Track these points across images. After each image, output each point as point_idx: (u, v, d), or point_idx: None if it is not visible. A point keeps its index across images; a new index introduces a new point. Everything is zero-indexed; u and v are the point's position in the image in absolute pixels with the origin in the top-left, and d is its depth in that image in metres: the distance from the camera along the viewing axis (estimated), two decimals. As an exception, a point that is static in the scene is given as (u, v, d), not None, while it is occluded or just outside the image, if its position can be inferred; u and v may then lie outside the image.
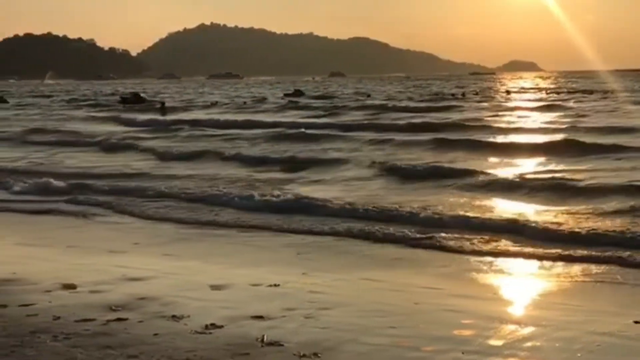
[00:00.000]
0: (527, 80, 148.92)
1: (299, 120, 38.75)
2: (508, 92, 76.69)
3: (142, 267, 9.66)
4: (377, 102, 58.22)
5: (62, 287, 8.49)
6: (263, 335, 6.57)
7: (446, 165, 19.74)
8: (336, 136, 29.48)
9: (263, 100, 69.02)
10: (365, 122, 37.59)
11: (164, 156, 24.65)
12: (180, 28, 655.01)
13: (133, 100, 66.75)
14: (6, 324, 7.00)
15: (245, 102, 64.34)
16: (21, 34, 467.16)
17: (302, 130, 30.68)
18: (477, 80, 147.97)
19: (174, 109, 55.61)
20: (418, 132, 29.65)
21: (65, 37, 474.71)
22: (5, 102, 73.98)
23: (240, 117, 42.62)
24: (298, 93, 77.32)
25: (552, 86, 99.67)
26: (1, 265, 9.77)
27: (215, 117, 43.65)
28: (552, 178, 16.75)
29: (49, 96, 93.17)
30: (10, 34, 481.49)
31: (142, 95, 73.21)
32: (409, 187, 16.95)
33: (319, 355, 6.13)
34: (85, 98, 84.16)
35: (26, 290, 8.35)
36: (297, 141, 27.89)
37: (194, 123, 38.51)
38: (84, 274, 9.25)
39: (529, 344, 6.53)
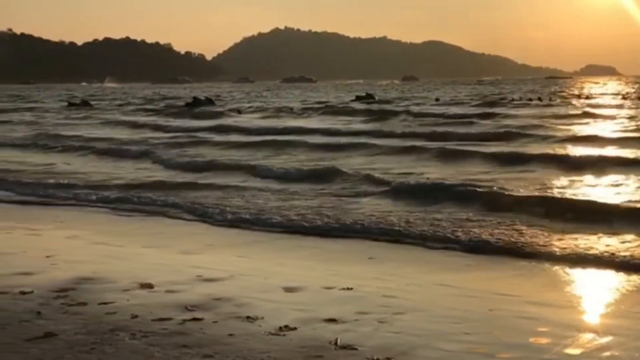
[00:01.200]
0: (607, 84, 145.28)
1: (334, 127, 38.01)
2: (586, 97, 75.01)
3: (216, 268, 9.77)
4: (445, 108, 56.61)
5: (140, 287, 8.66)
6: (336, 339, 6.59)
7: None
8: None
9: (326, 103, 68.24)
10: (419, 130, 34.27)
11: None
12: (255, 32, 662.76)
13: (202, 104, 67.47)
14: (86, 321, 7.18)
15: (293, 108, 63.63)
16: (100, 38, 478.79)
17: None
18: (552, 85, 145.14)
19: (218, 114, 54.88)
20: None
21: (142, 42, 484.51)
22: (90, 105, 75.39)
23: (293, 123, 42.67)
24: (369, 97, 77.19)
25: (632, 90, 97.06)
26: (82, 264, 10.02)
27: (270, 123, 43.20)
28: None
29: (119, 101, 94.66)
30: (90, 39, 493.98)
31: (206, 98, 74.01)
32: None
33: (393, 359, 6.11)
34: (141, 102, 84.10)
35: (105, 289, 8.55)
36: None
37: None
38: (160, 273, 9.42)
39: (607, 353, 6.39)
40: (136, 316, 7.34)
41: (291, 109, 59.96)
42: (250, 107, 65.32)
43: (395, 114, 47.12)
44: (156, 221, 13.99)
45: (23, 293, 8.27)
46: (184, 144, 30.36)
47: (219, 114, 53.06)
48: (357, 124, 40.82)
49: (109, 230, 13.06)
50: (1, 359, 6.04)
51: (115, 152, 27.60)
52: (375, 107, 57.51)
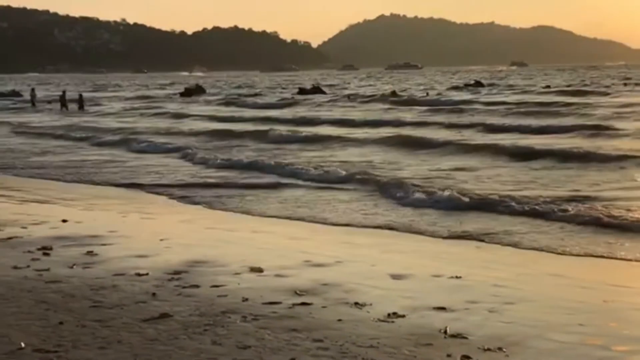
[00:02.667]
0: None
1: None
2: None
3: (323, 254, 9.84)
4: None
5: (250, 270, 8.81)
6: (446, 327, 6.53)
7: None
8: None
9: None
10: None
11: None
12: (361, 19, 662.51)
13: (311, 92, 67.85)
14: (199, 303, 7.35)
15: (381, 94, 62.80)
16: (210, 27, 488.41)
17: None
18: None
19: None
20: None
21: (250, 30, 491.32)
22: (204, 91, 77.22)
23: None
24: (478, 84, 75.92)
25: None
26: (194, 247, 10.27)
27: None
28: None
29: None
30: (200, 27, 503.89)
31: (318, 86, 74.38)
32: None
33: (504, 349, 6.02)
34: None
35: (216, 272, 8.73)
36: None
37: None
38: (269, 258, 9.55)
39: None
40: (247, 299, 7.47)
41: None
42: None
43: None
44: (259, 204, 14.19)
45: (139, 275, 8.54)
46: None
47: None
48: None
49: (214, 215, 13.31)
50: (119, 338, 6.25)
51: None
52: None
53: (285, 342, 6.16)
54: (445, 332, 6.43)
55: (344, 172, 17.76)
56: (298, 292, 7.77)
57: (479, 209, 12.98)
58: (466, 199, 13.55)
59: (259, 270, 8.82)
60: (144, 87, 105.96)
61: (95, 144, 28.76)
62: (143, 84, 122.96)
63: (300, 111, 46.30)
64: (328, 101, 55.36)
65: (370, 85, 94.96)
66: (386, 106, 48.23)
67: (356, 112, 43.50)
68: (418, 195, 14.27)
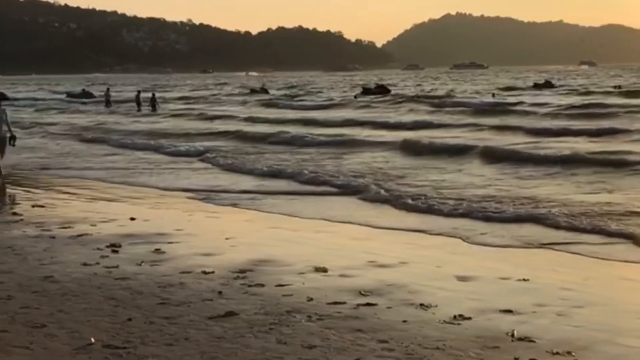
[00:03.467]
0: None
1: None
2: None
3: (388, 255, 9.81)
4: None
5: (314, 270, 8.83)
6: (513, 330, 6.44)
7: None
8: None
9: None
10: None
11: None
12: (426, 19, 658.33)
13: (375, 92, 67.52)
14: (264, 302, 7.40)
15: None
16: (274, 27, 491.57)
17: None
18: None
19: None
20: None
21: (314, 30, 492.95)
22: (267, 92, 77.06)
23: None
24: (547, 84, 74.38)
25: None
26: (259, 246, 10.35)
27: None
28: None
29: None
30: (264, 28, 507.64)
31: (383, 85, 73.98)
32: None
33: (573, 354, 5.91)
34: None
35: (281, 271, 8.78)
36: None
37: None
38: (333, 258, 9.57)
39: None
40: (311, 299, 7.49)
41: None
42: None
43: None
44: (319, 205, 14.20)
45: (205, 273, 8.64)
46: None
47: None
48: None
49: (280, 216, 13.35)
50: (186, 335, 6.33)
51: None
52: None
53: (350, 342, 6.16)
54: (513, 335, 6.34)
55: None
56: (362, 292, 7.76)
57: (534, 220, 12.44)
58: (526, 209, 13.03)
59: (324, 270, 8.83)
60: (202, 87, 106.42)
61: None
62: (201, 84, 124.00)
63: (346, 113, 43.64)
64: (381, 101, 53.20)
65: (432, 84, 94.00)
66: (431, 108, 45.50)
67: (391, 113, 42.25)
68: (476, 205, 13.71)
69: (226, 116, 44.19)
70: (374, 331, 6.44)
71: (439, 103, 47.80)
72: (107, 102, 60.07)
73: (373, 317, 6.90)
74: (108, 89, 65.00)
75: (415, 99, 53.62)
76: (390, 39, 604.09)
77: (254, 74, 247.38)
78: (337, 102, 55.80)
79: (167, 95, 73.52)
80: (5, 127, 17.11)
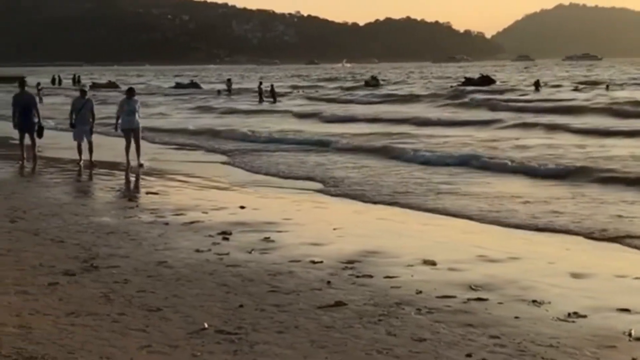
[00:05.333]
0: None
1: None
2: None
3: (498, 249, 9.63)
4: None
5: (423, 263, 8.76)
6: (630, 330, 6.22)
7: None
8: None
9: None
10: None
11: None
12: (537, 9, 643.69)
13: (478, 83, 66.39)
14: (373, 293, 7.39)
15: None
16: (382, 18, 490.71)
17: None
18: None
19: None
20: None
21: (422, 21, 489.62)
22: (378, 83, 76.70)
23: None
24: None
25: None
26: (366, 237, 10.34)
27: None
28: None
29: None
30: (372, 19, 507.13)
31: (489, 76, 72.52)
32: None
33: (696, 357, 5.66)
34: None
35: (389, 263, 8.74)
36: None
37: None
38: (442, 251, 9.47)
39: None
40: (420, 292, 7.43)
41: None
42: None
43: None
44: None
45: (314, 262, 8.69)
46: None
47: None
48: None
49: (389, 208, 13.28)
50: (296, 324, 6.39)
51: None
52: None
53: (460, 336, 6.08)
54: (630, 334, 6.13)
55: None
56: (473, 287, 7.64)
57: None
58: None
59: (432, 263, 8.75)
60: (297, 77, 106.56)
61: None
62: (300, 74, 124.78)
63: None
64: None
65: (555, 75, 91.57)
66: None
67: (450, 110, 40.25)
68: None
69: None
70: (485, 326, 6.34)
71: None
72: (229, 92, 62.03)
73: (484, 312, 6.79)
74: (229, 80, 67.71)
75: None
76: (500, 29, 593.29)
77: (348, 65, 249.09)
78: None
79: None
80: (137, 118, 18.23)
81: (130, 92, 19.04)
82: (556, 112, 35.12)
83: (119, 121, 18.54)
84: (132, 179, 16.79)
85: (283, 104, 49.33)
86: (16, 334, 6.02)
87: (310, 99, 55.13)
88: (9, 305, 6.84)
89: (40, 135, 18.95)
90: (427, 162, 18.79)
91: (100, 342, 5.89)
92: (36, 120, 18.89)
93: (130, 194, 14.10)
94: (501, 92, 54.57)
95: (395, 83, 78.97)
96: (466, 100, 45.12)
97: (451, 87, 62.72)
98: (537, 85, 58.23)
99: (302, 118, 36.69)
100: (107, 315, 6.58)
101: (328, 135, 25.51)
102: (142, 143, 19.01)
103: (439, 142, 23.25)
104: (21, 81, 21.37)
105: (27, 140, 18.80)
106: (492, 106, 39.54)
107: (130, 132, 18.39)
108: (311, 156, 20.54)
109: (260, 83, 57.49)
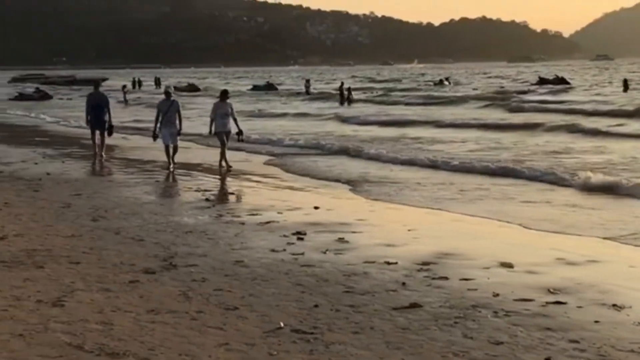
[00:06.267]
0: None
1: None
2: None
3: (576, 252, 9.46)
4: None
5: (500, 265, 8.66)
6: None
7: None
8: None
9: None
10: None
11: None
12: (617, 7, 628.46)
13: (553, 83, 65.32)
14: (449, 295, 7.34)
15: None
16: (457, 18, 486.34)
17: None
18: None
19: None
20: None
21: (498, 20, 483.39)
22: (444, 83, 76.59)
23: None
24: None
25: None
26: (441, 239, 10.29)
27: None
28: None
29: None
30: (447, 19, 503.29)
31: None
32: None
33: None
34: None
35: (465, 265, 8.67)
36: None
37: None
38: (519, 253, 9.35)
39: None
40: (497, 294, 7.35)
41: None
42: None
43: None
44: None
45: (388, 263, 8.68)
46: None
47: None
48: None
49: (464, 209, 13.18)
50: (371, 325, 6.40)
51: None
52: None
53: (539, 340, 6.00)
54: None
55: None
56: (551, 290, 7.52)
57: None
58: None
59: (509, 265, 8.64)
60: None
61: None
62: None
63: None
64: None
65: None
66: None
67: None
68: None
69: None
70: (564, 330, 6.24)
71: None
72: (307, 92, 63.78)
73: (563, 315, 6.68)
74: (308, 80, 70.48)
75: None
76: (578, 28, 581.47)
77: (420, 65, 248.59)
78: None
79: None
80: (231, 121, 18.38)
81: (224, 95, 18.86)
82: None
83: (213, 125, 18.34)
84: (216, 180, 16.91)
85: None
86: (99, 330, 6.18)
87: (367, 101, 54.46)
88: (92, 302, 7.03)
89: (110, 133, 19.92)
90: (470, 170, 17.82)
91: (179, 339, 6.01)
92: (107, 118, 19.90)
93: (207, 194, 14.26)
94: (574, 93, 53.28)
95: (457, 84, 77.62)
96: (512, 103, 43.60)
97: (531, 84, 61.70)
98: (625, 85, 55.63)
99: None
100: (186, 313, 6.71)
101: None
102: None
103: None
104: (95, 82, 23.15)
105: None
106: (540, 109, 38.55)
107: (224, 135, 18.25)
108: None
109: (342, 84, 57.49)
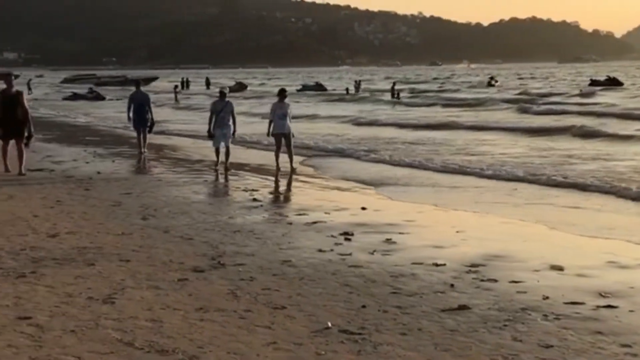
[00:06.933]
0: None
1: None
2: None
3: (629, 256, 9.31)
4: None
5: (550, 268, 8.55)
6: None
7: None
8: None
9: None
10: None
11: None
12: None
13: (605, 84, 64.29)
14: (498, 298, 7.28)
15: None
16: (507, 18, 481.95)
17: None
18: None
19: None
20: None
21: (549, 20, 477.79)
22: (492, 84, 75.55)
23: None
24: None
25: None
26: (490, 241, 10.19)
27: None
28: None
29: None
30: (496, 19, 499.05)
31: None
32: None
33: None
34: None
35: (514, 267, 8.58)
36: None
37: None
38: (569, 256, 9.23)
39: None
40: (547, 297, 7.26)
41: None
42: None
43: None
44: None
45: (436, 265, 8.63)
46: None
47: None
48: None
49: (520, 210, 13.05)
50: (419, 326, 6.36)
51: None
52: None
53: (589, 344, 5.92)
54: None
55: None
56: (602, 293, 7.41)
57: None
58: None
59: (560, 268, 8.53)
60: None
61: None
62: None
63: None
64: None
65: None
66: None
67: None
68: None
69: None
70: (615, 334, 6.14)
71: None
72: (357, 90, 66.25)
73: (614, 319, 6.58)
74: (357, 81, 72.65)
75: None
76: (630, 29, 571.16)
77: (472, 66, 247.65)
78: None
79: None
80: (289, 122, 17.96)
81: (282, 94, 18.28)
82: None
83: (271, 126, 18.01)
84: (264, 180, 16.95)
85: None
86: (148, 328, 6.25)
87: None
88: (142, 299, 7.11)
89: (150, 130, 20.97)
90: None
91: (227, 337, 6.05)
92: (149, 116, 20.67)
93: (255, 194, 14.32)
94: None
95: (499, 86, 76.56)
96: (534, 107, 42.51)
97: (580, 91, 60.29)
98: None
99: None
100: (234, 311, 6.75)
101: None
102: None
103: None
104: (136, 82, 24.81)
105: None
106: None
107: (281, 136, 17.92)
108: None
109: (394, 84, 57.89)
